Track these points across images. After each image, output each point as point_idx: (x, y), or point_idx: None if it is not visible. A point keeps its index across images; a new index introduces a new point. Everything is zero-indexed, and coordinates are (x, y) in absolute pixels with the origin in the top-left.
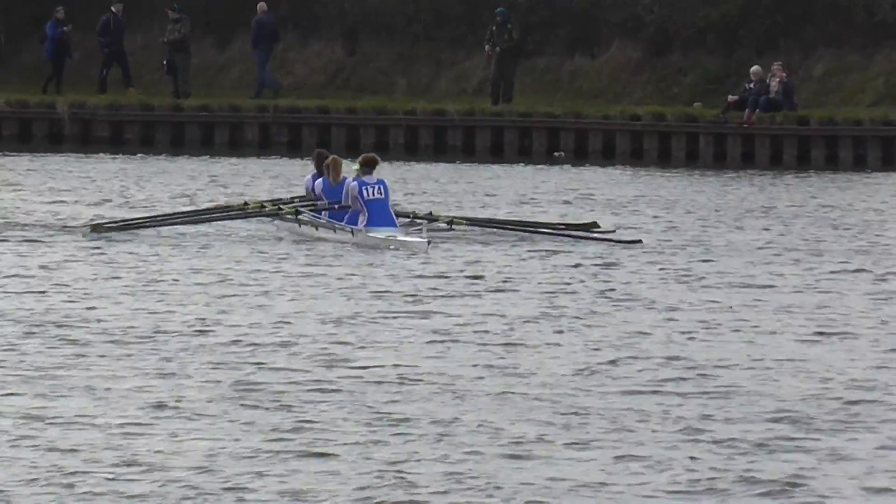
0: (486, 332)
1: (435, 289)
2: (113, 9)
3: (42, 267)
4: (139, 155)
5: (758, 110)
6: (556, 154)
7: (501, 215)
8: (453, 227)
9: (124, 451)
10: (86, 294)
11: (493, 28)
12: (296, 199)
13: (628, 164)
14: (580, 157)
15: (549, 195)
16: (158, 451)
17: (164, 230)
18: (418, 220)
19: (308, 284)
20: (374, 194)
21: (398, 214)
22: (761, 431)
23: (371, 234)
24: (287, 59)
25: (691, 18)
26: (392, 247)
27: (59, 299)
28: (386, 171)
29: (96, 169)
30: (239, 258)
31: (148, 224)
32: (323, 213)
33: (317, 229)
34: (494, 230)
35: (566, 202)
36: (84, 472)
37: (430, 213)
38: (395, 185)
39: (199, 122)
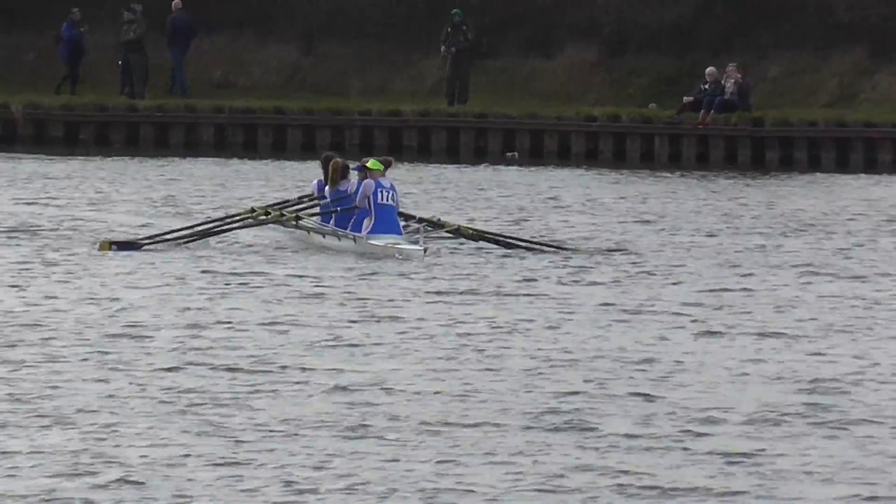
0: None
1: (414, 297)
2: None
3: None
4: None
5: (713, 111)
6: (508, 155)
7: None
8: (461, 235)
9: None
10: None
11: (449, 29)
12: (304, 199)
13: (584, 165)
14: (536, 157)
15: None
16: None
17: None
18: (425, 227)
19: (288, 293)
20: (386, 199)
21: (406, 218)
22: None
23: (372, 242)
24: (244, 59)
25: (646, 20)
26: (388, 254)
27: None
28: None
29: (51, 170)
30: (230, 269)
31: (158, 240)
32: (330, 217)
33: (323, 237)
34: (502, 245)
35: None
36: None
37: (438, 220)
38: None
39: (155, 122)
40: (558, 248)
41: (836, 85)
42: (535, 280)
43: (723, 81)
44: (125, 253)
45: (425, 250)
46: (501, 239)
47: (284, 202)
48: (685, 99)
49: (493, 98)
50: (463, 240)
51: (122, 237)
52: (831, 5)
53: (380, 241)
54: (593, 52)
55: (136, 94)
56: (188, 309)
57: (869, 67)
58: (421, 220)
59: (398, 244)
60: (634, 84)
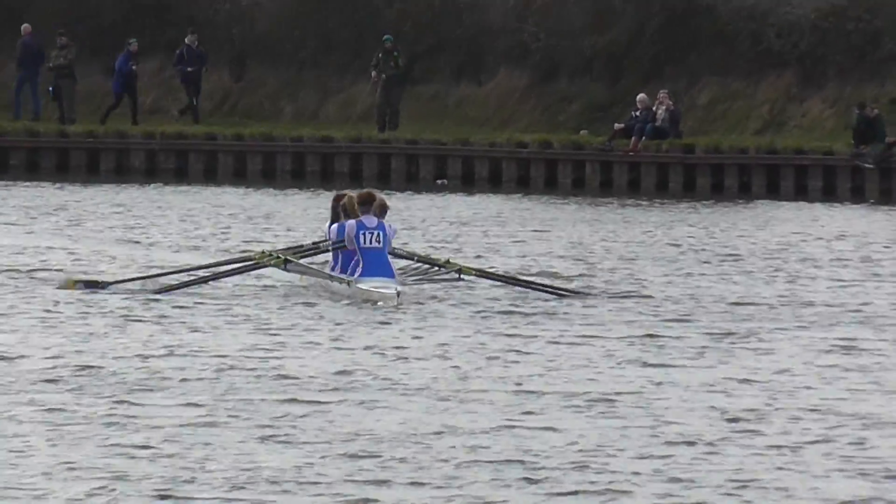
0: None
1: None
2: (186, 40)
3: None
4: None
5: (644, 138)
6: (438, 181)
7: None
8: (462, 276)
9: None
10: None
11: (380, 55)
12: (321, 244)
13: (515, 192)
14: (467, 184)
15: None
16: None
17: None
18: (420, 263)
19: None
20: (371, 242)
21: (403, 257)
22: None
23: (358, 286)
24: (174, 85)
25: (578, 46)
26: (370, 299)
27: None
28: (273, 199)
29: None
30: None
31: (149, 287)
32: (338, 255)
33: (332, 281)
34: (508, 283)
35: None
36: None
37: (439, 260)
38: (281, 208)
39: (86, 148)
40: (572, 291)
41: (766, 111)
42: (535, 322)
43: (654, 108)
44: (90, 291)
45: (398, 294)
46: (506, 279)
47: (298, 247)
48: (616, 126)
49: (424, 124)
50: (469, 279)
51: (77, 274)
52: (761, 32)
53: (366, 284)
54: (525, 78)
55: (67, 120)
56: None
57: (798, 94)
58: (420, 260)
59: (382, 287)
60: (566, 110)
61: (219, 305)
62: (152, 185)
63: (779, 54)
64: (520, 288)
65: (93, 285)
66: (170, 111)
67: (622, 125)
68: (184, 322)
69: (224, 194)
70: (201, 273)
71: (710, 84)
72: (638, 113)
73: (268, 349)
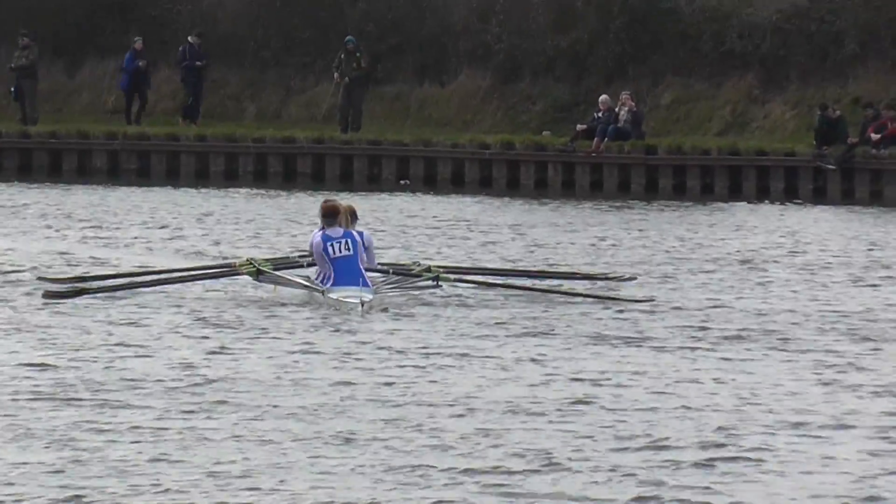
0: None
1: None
2: (190, 39)
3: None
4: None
5: (606, 139)
6: (402, 182)
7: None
8: (440, 283)
9: None
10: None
11: (343, 55)
12: (308, 257)
13: (477, 193)
14: (429, 185)
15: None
16: None
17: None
18: (396, 275)
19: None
20: (339, 251)
21: (377, 272)
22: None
23: (331, 296)
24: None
25: (540, 46)
26: (340, 309)
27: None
28: (235, 200)
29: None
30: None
31: (117, 286)
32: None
33: (306, 291)
34: (499, 286)
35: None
36: None
37: (416, 265)
38: (244, 213)
39: (48, 148)
40: (549, 290)
41: (728, 113)
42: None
43: (617, 109)
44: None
45: (362, 303)
46: (487, 283)
47: (283, 258)
48: (579, 127)
49: (386, 125)
50: (448, 284)
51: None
52: (724, 33)
53: (337, 294)
54: (487, 78)
55: (29, 120)
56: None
57: (761, 95)
58: (396, 271)
59: (351, 297)
60: (529, 111)
61: (182, 309)
62: (113, 187)
63: (741, 56)
64: (500, 290)
65: (63, 287)
66: (175, 119)
67: (584, 126)
68: (141, 324)
69: (186, 195)
70: (176, 275)
71: (673, 85)
72: (600, 114)
73: (218, 354)
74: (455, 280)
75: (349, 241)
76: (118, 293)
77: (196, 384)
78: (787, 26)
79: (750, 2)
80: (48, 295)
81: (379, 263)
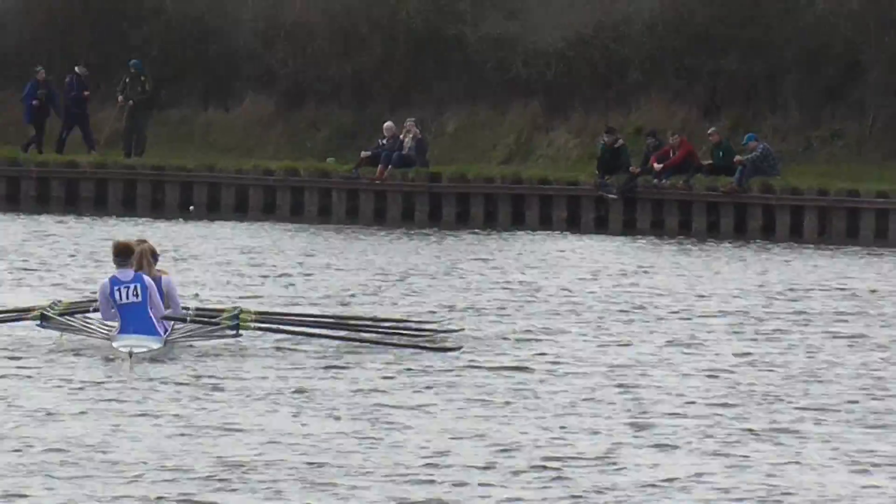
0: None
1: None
2: (77, 70)
3: None
4: None
5: (391, 166)
6: (190, 208)
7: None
8: (239, 332)
9: None
10: None
11: (127, 79)
12: (95, 302)
13: (261, 219)
14: (213, 211)
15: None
16: None
17: None
18: (194, 323)
19: None
20: (128, 297)
21: (175, 319)
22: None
23: (114, 344)
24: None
25: (325, 72)
26: (103, 355)
27: None
28: (16, 226)
29: None
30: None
31: None
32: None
33: (93, 338)
34: (310, 332)
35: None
36: None
37: (216, 316)
38: (24, 243)
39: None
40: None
41: (513, 140)
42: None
43: (401, 136)
44: None
45: (130, 354)
46: (294, 332)
47: (80, 302)
48: (363, 153)
49: (171, 149)
50: (249, 332)
51: None
52: (509, 61)
53: (122, 342)
54: (272, 103)
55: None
56: None
57: (545, 123)
58: (193, 319)
59: (135, 346)
60: (313, 137)
61: None
62: None
63: (526, 83)
64: (307, 336)
65: None
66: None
67: (369, 153)
68: None
69: None
70: None
71: (458, 112)
72: (385, 141)
73: None
74: (261, 328)
75: (138, 286)
76: None
77: None
78: (571, 54)
79: (535, 29)
80: None
81: (184, 308)
